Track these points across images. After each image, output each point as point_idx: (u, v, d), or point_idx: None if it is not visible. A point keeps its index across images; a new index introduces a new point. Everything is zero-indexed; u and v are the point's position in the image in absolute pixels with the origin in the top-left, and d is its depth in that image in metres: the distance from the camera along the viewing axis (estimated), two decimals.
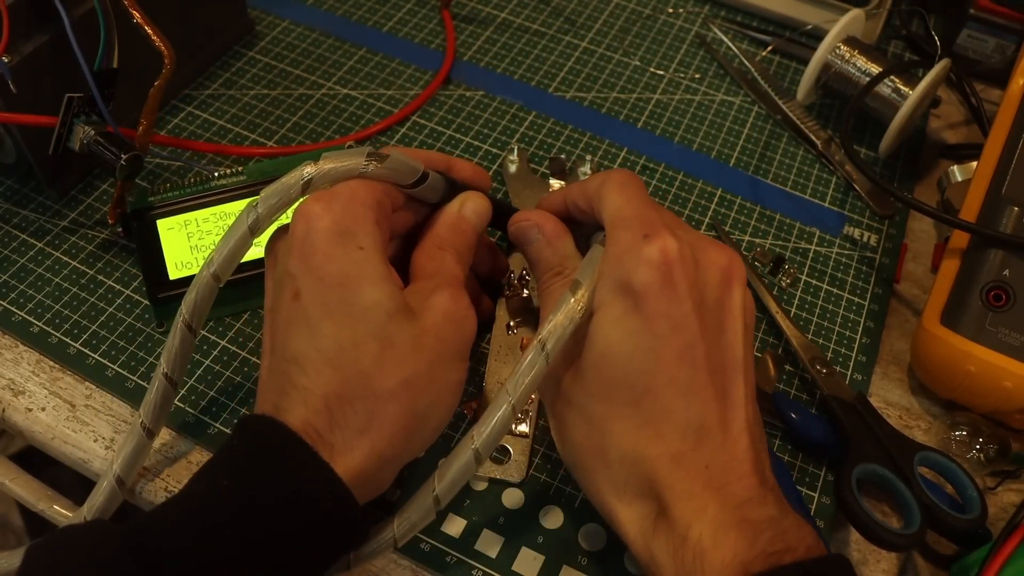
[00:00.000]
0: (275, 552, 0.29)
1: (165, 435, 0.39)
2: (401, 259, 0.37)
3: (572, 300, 0.32)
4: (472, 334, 0.34)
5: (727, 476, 0.30)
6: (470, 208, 0.37)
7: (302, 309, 0.31)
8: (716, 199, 0.51)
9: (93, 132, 0.41)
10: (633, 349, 0.31)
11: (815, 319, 0.46)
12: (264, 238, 0.35)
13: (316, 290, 0.31)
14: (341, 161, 0.33)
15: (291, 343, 0.32)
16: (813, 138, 0.55)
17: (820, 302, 0.47)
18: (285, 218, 0.34)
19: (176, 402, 0.40)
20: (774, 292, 0.46)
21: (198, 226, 0.44)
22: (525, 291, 0.43)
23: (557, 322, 0.31)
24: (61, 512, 0.39)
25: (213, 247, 0.43)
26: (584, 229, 0.37)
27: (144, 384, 0.40)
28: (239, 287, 0.42)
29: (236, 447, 0.31)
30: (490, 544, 0.37)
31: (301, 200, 0.33)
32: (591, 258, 0.33)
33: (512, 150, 0.52)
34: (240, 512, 0.29)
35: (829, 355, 0.44)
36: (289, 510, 0.29)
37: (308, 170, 0.32)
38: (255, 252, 0.40)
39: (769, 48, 0.61)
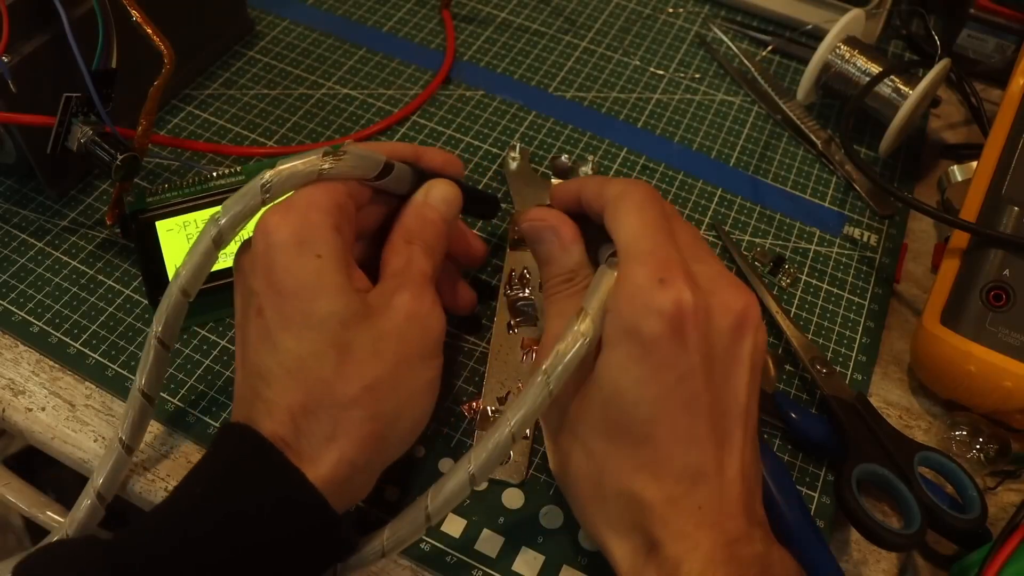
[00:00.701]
0: (251, 559, 0.29)
1: (164, 434, 0.39)
2: (373, 254, 0.36)
3: (578, 330, 0.31)
4: (439, 332, 0.34)
5: (719, 516, 0.30)
6: (436, 196, 0.36)
7: (264, 324, 0.32)
8: (716, 199, 0.51)
9: (91, 132, 0.41)
10: (639, 397, 0.30)
11: (815, 319, 0.46)
12: (234, 247, 0.35)
13: (275, 304, 0.31)
14: (298, 164, 0.32)
15: (257, 359, 0.32)
16: (813, 138, 0.55)
17: (820, 302, 0.47)
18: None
19: (176, 401, 0.40)
20: (774, 292, 0.46)
21: (197, 227, 0.44)
22: (526, 290, 0.43)
23: (562, 351, 0.31)
24: (53, 518, 0.39)
25: None
26: (593, 229, 0.36)
27: None
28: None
29: (211, 456, 0.31)
30: (490, 544, 0.37)
31: (262, 212, 0.33)
32: (598, 283, 0.32)
33: (514, 147, 0.52)
34: (214, 520, 0.29)
35: (829, 355, 0.44)
36: (262, 515, 0.29)
37: (267, 176, 0.32)
38: None
39: (769, 48, 0.61)
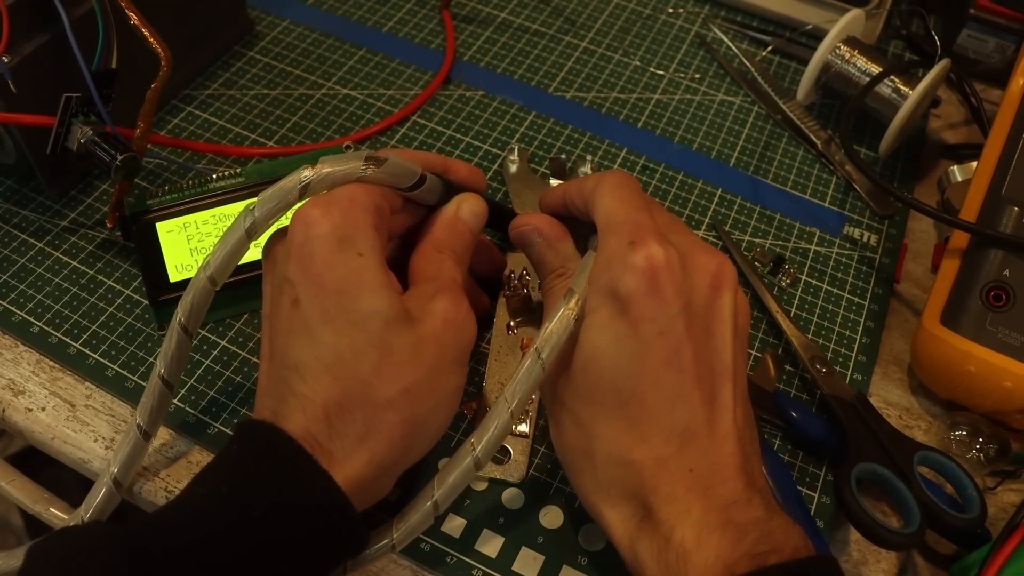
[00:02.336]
0: (272, 559, 0.29)
1: (165, 435, 0.39)
2: (398, 260, 0.37)
3: (565, 308, 0.32)
4: (471, 339, 0.34)
5: (712, 479, 0.30)
6: (467, 210, 0.37)
7: (301, 316, 0.31)
8: (716, 199, 0.51)
9: (91, 132, 0.41)
10: (619, 354, 0.31)
11: (815, 319, 0.46)
12: (263, 239, 0.35)
13: (315, 297, 0.31)
14: (339, 165, 0.33)
15: (290, 350, 0.32)
16: (813, 138, 0.55)
17: (820, 302, 0.47)
18: (285, 219, 0.34)
19: (176, 402, 0.40)
20: (774, 292, 0.46)
21: (197, 228, 0.44)
22: (525, 291, 0.43)
23: (552, 329, 0.32)
24: (57, 515, 0.39)
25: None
26: (583, 227, 0.38)
27: (144, 384, 0.40)
28: (238, 289, 0.42)
29: (235, 453, 0.31)
30: (490, 544, 0.37)
31: (299, 204, 0.33)
32: (584, 264, 0.33)
33: (512, 150, 0.52)
34: (238, 519, 0.29)
35: (829, 355, 0.44)
36: (287, 518, 0.29)
37: (306, 174, 0.32)
38: (254, 254, 0.40)
39: (769, 48, 0.61)
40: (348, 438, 0.30)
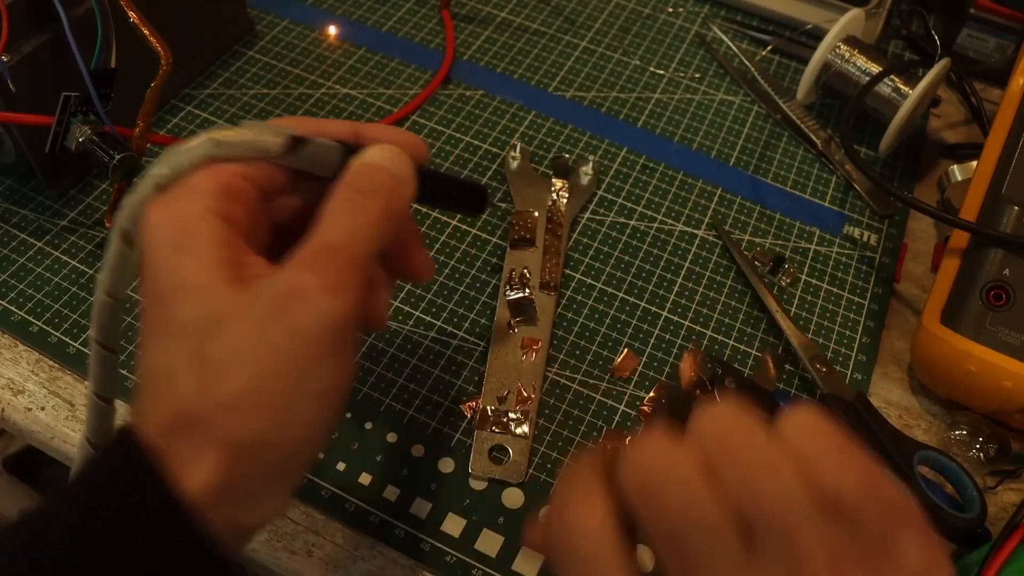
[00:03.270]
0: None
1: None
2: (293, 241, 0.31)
3: None
4: (325, 329, 0.28)
5: None
6: (371, 156, 0.30)
7: (141, 330, 0.29)
8: (716, 199, 0.51)
9: (89, 131, 0.41)
10: None
11: (815, 318, 0.46)
12: None
13: (147, 309, 0.29)
14: (184, 149, 0.29)
15: (138, 366, 0.29)
16: (813, 138, 0.54)
17: (820, 302, 0.47)
18: None
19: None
20: (774, 292, 0.46)
21: None
22: (526, 290, 0.43)
23: None
24: None
25: None
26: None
27: None
28: None
29: (100, 468, 0.28)
30: (490, 544, 0.37)
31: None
32: None
33: (514, 147, 0.52)
34: (70, 532, 0.26)
35: (829, 354, 0.44)
36: (123, 528, 0.26)
37: (155, 169, 0.29)
38: None
39: (769, 48, 0.61)
40: (179, 459, 0.27)
